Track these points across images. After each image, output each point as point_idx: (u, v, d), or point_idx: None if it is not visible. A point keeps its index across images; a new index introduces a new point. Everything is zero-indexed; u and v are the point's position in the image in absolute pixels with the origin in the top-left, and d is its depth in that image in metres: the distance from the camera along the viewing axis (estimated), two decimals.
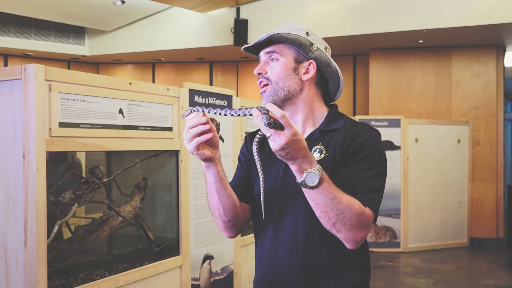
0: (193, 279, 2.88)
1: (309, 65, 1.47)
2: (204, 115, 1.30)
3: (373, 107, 7.44)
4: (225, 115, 1.30)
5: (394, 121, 6.42)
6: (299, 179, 1.24)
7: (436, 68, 7.30)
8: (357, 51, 7.83)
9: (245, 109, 1.26)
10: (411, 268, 5.80)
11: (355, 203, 1.28)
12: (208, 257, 3.03)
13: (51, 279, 2.04)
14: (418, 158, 6.53)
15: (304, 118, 1.49)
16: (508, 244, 7.09)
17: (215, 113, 1.30)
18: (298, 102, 1.48)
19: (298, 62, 1.47)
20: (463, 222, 6.93)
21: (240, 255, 3.38)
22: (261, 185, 1.34)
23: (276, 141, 1.18)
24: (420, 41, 6.99)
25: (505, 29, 6.25)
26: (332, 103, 1.57)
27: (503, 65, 7.25)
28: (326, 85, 1.53)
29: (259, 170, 1.31)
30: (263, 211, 1.39)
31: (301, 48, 1.46)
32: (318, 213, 1.28)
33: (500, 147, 7.11)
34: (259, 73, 1.47)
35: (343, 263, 1.42)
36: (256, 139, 1.28)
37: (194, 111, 1.32)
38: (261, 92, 1.48)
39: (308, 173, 1.22)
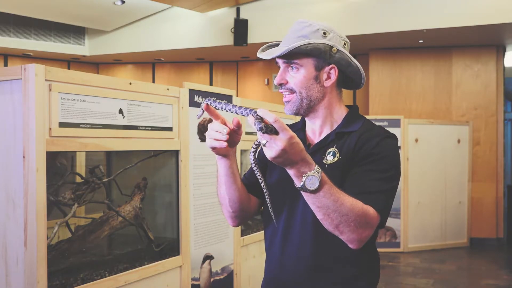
0: (193, 279, 2.88)
1: (330, 70, 1.43)
2: (207, 108, 1.31)
3: (373, 107, 7.45)
4: (226, 110, 1.29)
5: (394, 121, 6.42)
6: (298, 184, 1.21)
7: (436, 68, 7.31)
8: (357, 51, 7.83)
9: (244, 109, 1.24)
10: (411, 268, 5.80)
11: (357, 204, 1.25)
12: (208, 257, 3.03)
13: (51, 279, 2.04)
14: (418, 158, 6.53)
15: (323, 121, 1.47)
16: (508, 244, 7.09)
17: (220, 109, 1.30)
18: (319, 108, 1.46)
19: (318, 69, 1.42)
20: (463, 222, 6.93)
21: (240, 255, 3.38)
22: (266, 196, 1.31)
23: (273, 147, 1.15)
24: (420, 41, 6.99)
25: (505, 29, 6.25)
26: (352, 104, 1.55)
27: (503, 65, 7.25)
28: (348, 80, 1.50)
29: (260, 180, 1.29)
30: (273, 219, 1.38)
31: (321, 55, 1.40)
32: (319, 215, 1.25)
33: (500, 147, 7.11)
34: (281, 84, 1.44)
35: (351, 267, 1.40)
36: (252, 149, 1.25)
37: (205, 104, 1.31)
38: (285, 101, 1.45)
39: (308, 177, 1.18)
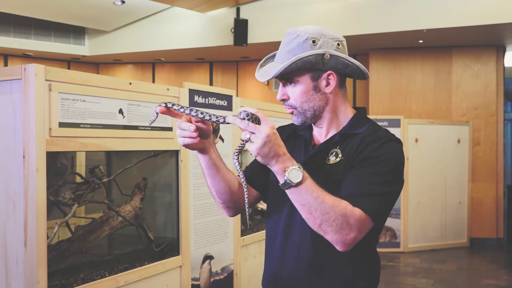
0: (193, 279, 2.88)
1: (328, 76, 1.41)
2: (166, 110, 1.32)
3: (373, 107, 7.45)
4: (192, 115, 1.30)
5: (394, 121, 6.42)
6: (281, 180, 1.23)
7: (436, 68, 7.31)
8: (357, 51, 7.83)
9: (219, 116, 1.26)
10: (411, 268, 5.80)
11: (340, 204, 1.25)
12: (208, 257, 3.03)
13: (51, 279, 2.04)
14: (418, 158, 6.53)
15: (329, 124, 1.47)
16: (508, 244, 7.09)
17: (183, 112, 1.30)
18: (325, 114, 1.45)
19: (315, 79, 1.40)
20: (463, 222, 6.93)
21: (240, 255, 3.38)
22: (246, 196, 1.31)
23: (257, 137, 1.18)
24: (420, 41, 6.99)
25: (505, 29, 6.25)
26: (361, 106, 1.54)
27: (503, 65, 7.25)
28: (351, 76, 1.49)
29: (242, 181, 1.30)
30: (247, 220, 1.40)
31: (315, 67, 1.38)
32: (304, 214, 1.26)
33: (500, 147, 7.12)
34: (282, 99, 1.45)
35: (350, 269, 1.40)
36: (236, 151, 1.27)
37: (161, 107, 1.32)
38: (290, 113, 1.47)
39: (290, 170, 1.22)
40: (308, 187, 1.23)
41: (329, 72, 1.40)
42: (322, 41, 1.40)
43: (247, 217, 1.37)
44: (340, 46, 1.43)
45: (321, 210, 1.23)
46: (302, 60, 1.36)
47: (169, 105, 1.32)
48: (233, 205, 1.52)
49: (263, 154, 1.20)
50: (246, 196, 1.32)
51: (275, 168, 1.23)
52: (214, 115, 1.28)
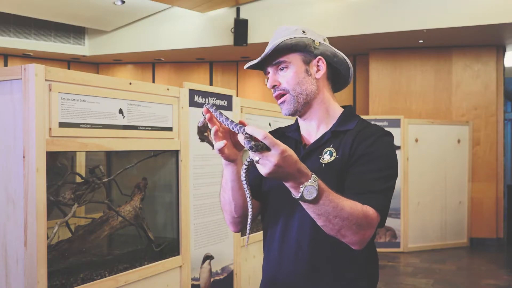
0: (193, 279, 2.88)
1: (318, 61, 1.47)
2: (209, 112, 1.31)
3: (373, 107, 7.45)
4: (220, 122, 1.29)
5: (394, 121, 6.42)
6: (296, 195, 1.19)
7: (436, 68, 7.31)
8: (357, 51, 7.83)
9: (235, 124, 1.22)
10: (411, 268, 5.80)
11: (357, 207, 1.25)
12: (208, 257, 3.03)
13: (51, 279, 2.04)
14: (418, 158, 6.53)
15: (319, 120, 1.48)
16: (508, 244, 7.09)
17: (214, 113, 1.30)
18: (315, 104, 1.47)
19: (307, 62, 1.46)
20: (463, 222, 6.93)
21: (240, 255, 3.38)
22: (249, 215, 1.26)
23: (266, 164, 1.12)
24: (420, 41, 6.99)
25: (505, 29, 6.25)
26: (349, 105, 1.57)
27: (503, 65, 7.25)
28: (336, 75, 1.53)
29: (248, 199, 1.24)
30: (247, 237, 1.30)
31: (306, 49, 1.45)
32: (320, 222, 1.25)
33: (500, 147, 7.12)
34: (273, 86, 1.46)
35: (350, 268, 1.40)
36: (244, 165, 1.21)
37: (205, 108, 1.31)
38: (280, 103, 1.46)
39: (305, 187, 1.17)
40: (325, 199, 1.20)
41: (319, 57, 1.46)
42: (311, 32, 1.49)
43: (247, 238, 1.30)
44: (325, 41, 1.51)
45: (340, 217, 1.22)
46: (295, 38, 1.44)
47: (208, 106, 1.30)
48: (244, 220, 1.49)
49: (273, 178, 1.17)
50: (250, 214, 1.27)
51: (287, 184, 1.20)
52: (236, 125, 1.22)
